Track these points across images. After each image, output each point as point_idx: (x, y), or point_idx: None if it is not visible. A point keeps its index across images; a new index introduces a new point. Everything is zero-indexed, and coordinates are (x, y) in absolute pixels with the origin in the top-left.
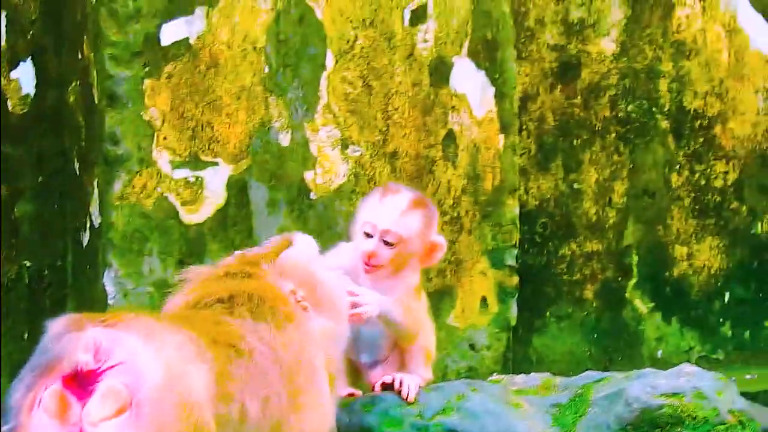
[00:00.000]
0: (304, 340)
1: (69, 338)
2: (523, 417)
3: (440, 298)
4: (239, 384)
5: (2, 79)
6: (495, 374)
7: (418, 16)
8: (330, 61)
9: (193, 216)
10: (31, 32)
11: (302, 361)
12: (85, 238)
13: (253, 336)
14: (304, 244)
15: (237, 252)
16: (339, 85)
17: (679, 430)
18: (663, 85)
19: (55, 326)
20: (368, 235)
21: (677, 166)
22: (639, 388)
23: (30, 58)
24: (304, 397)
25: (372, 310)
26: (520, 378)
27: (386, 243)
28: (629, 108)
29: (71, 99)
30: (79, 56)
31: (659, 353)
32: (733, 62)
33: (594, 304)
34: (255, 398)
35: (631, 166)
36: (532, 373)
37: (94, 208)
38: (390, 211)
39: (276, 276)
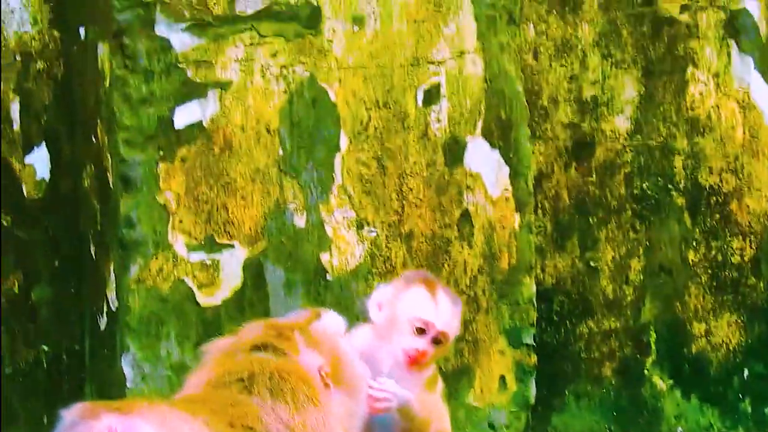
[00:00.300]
0: (325, 420)
1: (84, 427)
2: None
3: (458, 378)
4: None
5: (17, 164)
6: None
7: (431, 96)
8: (344, 142)
9: (209, 299)
10: (44, 117)
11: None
12: (103, 322)
13: (270, 417)
14: (333, 319)
15: (266, 321)
16: (353, 166)
17: None
18: (678, 161)
19: (70, 414)
20: (420, 331)
21: (694, 243)
22: None
23: (44, 143)
24: None
25: (392, 405)
26: None
27: (436, 342)
28: (644, 185)
29: (86, 183)
30: (93, 141)
31: (679, 430)
32: (747, 138)
33: (613, 382)
34: None
35: (648, 243)
36: None
37: (110, 291)
38: (445, 311)
39: (305, 348)
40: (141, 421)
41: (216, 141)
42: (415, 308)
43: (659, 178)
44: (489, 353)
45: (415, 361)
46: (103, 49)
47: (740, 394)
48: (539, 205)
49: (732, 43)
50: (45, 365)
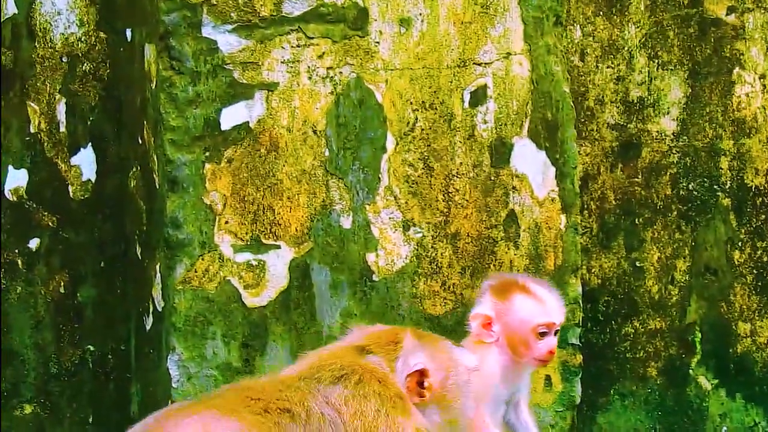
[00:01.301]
0: (388, 420)
1: None
2: None
3: None
4: None
5: (63, 165)
6: None
7: (478, 97)
8: (390, 143)
9: (255, 299)
10: (90, 118)
11: None
12: (149, 323)
13: (316, 399)
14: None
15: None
16: (400, 167)
17: None
18: (724, 162)
19: None
20: (543, 335)
21: (739, 243)
22: None
23: (90, 144)
24: None
25: None
26: None
27: (556, 333)
28: (690, 186)
29: (132, 184)
30: (140, 141)
31: (724, 430)
32: None
33: (658, 382)
34: None
35: (693, 243)
36: None
37: (156, 292)
38: (552, 305)
39: (408, 350)
40: None
41: (262, 142)
42: (530, 318)
43: (705, 179)
44: None
45: (549, 359)
46: (149, 51)
47: None
48: (585, 206)
49: None
50: (90, 365)
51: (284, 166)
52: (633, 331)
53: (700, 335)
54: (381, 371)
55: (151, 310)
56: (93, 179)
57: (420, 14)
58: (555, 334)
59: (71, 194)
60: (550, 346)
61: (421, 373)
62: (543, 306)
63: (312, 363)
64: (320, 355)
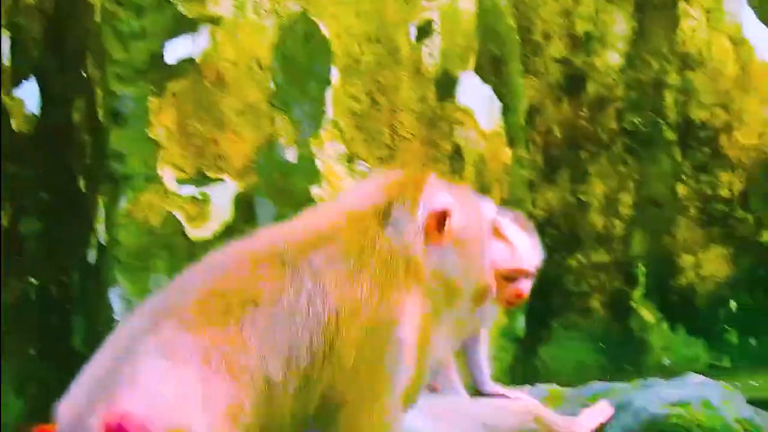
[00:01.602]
0: (384, 291)
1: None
2: None
3: None
4: (256, 342)
5: (6, 98)
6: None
7: (424, 31)
8: (336, 77)
9: (199, 232)
10: (34, 52)
11: (368, 316)
12: (92, 256)
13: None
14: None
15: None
16: (345, 100)
17: None
18: (669, 96)
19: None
20: (512, 280)
21: (683, 177)
22: (646, 398)
23: (34, 77)
24: (350, 357)
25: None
26: (526, 389)
27: (529, 276)
28: (635, 120)
29: (76, 117)
30: (84, 75)
31: (666, 362)
32: (738, 73)
33: (601, 314)
34: (275, 354)
35: (638, 177)
36: (539, 384)
37: (100, 225)
38: (524, 249)
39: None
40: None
41: (207, 76)
42: (497, 263)
43: (650, 113)
44: None
45: (518, 302)
46: None
47: (727, 326)
48: (530, 140)
49: None
50: (33, 298)
51: (229, 100)
52: (577, 264)
53: (643, 268)
54: (394, 245)
55: (94, 243)
56: (36, 113)
57: None
58: (528, 277)
59: (14, 127)
60: (518, 290)
61: (444, 214)
62: (512, 250)
63: (313, 231)
64: (332, 222)
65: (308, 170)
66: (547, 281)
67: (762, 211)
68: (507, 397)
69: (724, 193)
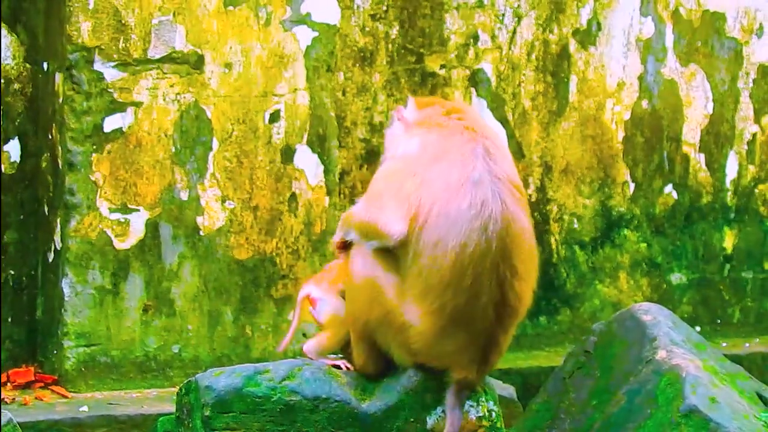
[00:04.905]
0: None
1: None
2: (341, 384)
3: None
4: None
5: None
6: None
7: (274, 116)
8: (215, 145)
9: (122, 244)
10: (17, 120)
11: None
12: (51, 257)
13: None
14: None
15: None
16: (221, 161)
17: None
18: None
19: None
20: None
21: None
22: None
23: (17, 137)
24: None
25: None
26: None
27: None
28: None
29: (44, 165)
30: (50, 137)
31: None
32: None
33: None
34: None
35: None
36: None
37: (57, 237)
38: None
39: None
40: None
41: (131, 141)
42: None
43: None
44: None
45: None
46: (59, 77)
47: None
48: (342, 192)
49: (473, 90)
50: (11, 284)
51: (145, 157)
52: None
53: None
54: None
55: (53, 248)
56: (18, 161)
57: (238, 60)
58: None
59: (3, 170)
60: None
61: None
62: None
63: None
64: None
65: (196, 206)
66: None
67: None
68: None
69: None
